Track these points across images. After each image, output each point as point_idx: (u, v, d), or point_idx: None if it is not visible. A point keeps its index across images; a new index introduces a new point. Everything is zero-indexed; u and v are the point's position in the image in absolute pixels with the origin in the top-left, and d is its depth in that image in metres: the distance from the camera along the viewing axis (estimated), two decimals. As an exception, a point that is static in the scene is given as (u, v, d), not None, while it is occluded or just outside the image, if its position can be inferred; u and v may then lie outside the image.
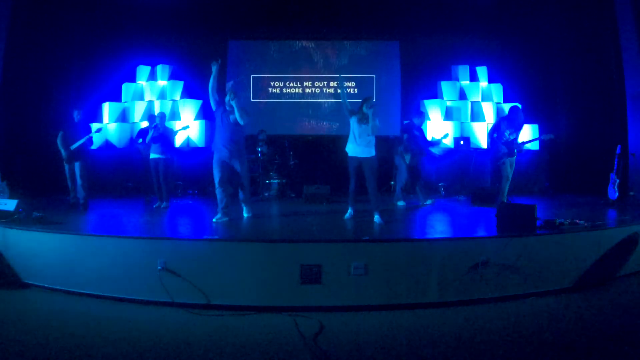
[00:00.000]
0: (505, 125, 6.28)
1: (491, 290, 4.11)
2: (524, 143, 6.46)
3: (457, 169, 9.24)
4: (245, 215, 5.82)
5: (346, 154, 5.47)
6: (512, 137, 6.22)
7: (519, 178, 8.91)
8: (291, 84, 10.54)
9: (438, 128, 10.01)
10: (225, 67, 10.47)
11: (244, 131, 5.69)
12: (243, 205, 5.88)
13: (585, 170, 9.03)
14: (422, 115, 7.82)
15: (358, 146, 5.34)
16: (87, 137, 6.73)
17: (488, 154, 8.64)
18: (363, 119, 5.31)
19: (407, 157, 7.30)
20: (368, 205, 5.60)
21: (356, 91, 10.35)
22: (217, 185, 5.51)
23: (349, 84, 10.45)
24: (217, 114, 5.57)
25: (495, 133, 6.32)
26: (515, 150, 6.30)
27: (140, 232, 4.81)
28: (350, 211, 5.62)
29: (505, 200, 6.20)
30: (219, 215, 5.45)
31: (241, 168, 5.56)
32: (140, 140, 7.11)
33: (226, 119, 5.49)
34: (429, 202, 7.37)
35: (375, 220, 5.26)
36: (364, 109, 5.30)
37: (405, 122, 8.25)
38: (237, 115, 5.35)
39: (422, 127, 7.68)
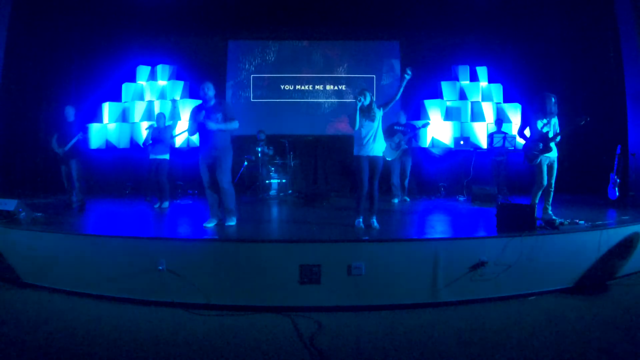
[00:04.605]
0: (535, 116, 5.39)
1: (491, 290, 4.11)
2: (557, 134, 5.45)
3: (457, 169, 9.24)
4: (227, 224, 5.09)
5: (349, 154, 5.03)
6: (546, 129, 5.35)
7: (519, 178, 8.91)
8: (291, 84, 10.54)
9: (439, 128, 10.02)
10: (226, 67, 10.50)
11: (229, 135, 5.13)
12: (226, 213, 5.21)
13: (585, 170, 9.02)
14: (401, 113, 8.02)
15: (367, 145, 4.89)
16: (77, 137, 6.46)
17: (488, 155, 8.66)
18: (368, 113, 4.87)
19: (397, 153, 7.63)
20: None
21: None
22: (205, 189, 5.16)
23: (342, 87, 10.49)
24: (203, 121, 4.97)
25: (526, 127, 5.45)
26: (553, 144, 5.35)
27: (140, 232, 4.81)
28: (360, 219, 5.02)
29: (535, 204, 5.41)
30: (209, 219, 5.17)
31: (219, 173, 4.98)
32: (151, 141, 7.09)
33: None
34: (406, 199, 7.78)
35: (372, 224, 4.94)
36: (364, 100, 4.85)
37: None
38: (229, 126, 4.97)
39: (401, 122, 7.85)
